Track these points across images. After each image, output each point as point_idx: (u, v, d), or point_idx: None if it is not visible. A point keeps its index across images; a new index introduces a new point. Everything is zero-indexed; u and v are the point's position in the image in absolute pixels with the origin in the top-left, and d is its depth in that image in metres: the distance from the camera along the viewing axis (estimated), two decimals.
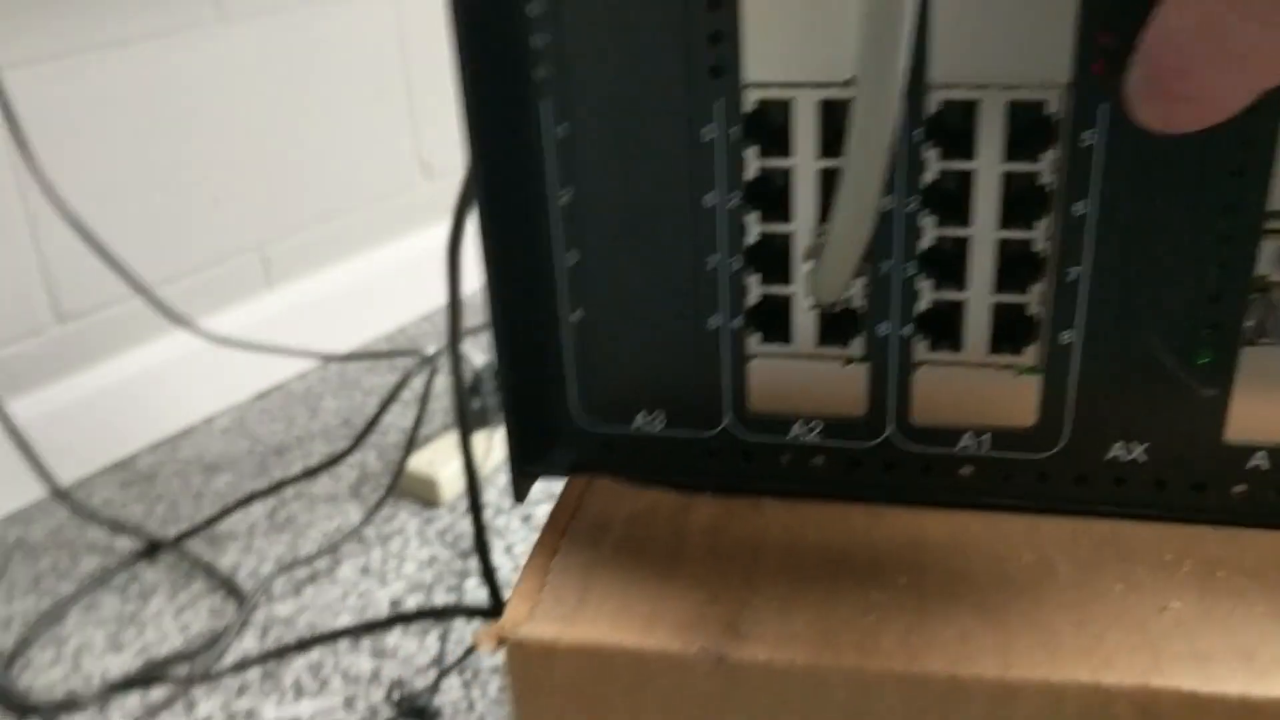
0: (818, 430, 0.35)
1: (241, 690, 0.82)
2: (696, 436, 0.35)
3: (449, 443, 1.00)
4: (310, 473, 1.00)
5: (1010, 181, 0.31)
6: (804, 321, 0.33)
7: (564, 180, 0.33)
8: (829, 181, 0.32)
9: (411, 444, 0.99)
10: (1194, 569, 0.32)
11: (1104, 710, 0.28)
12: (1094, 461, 0.33)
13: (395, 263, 1.21)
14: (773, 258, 0.33)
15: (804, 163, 0.31)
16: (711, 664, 0.30)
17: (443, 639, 0.84)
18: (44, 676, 0.84)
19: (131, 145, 1.03)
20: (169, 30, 1.01)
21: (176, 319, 0.97)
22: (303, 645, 0.77)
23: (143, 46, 1.00)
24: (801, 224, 0.32)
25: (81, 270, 0.99)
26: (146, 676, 0.81)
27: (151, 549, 0.96)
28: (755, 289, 0.33)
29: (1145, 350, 0.32)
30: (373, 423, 1.00)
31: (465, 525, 0.97)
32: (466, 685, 0.80)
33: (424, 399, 0.99)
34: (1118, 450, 0.33)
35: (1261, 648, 0.29)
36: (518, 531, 0.96)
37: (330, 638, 0.78)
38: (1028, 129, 0.30)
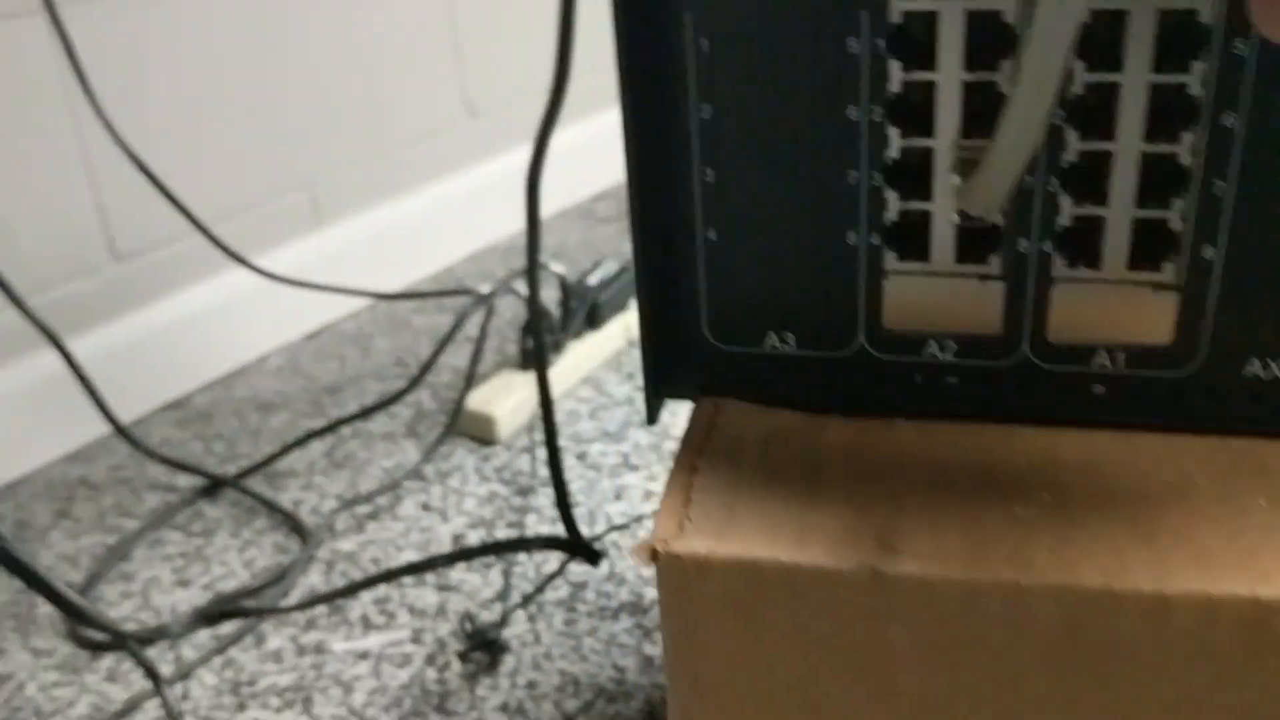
0: (952, 349, 0.35)
1: (309, 624, 0.83)
2: (828, 356, 0.35)
3: (504, 381, 1.00)
4: (368, 411, 1.00)
5: (1157, 93, 0.30)
6: (942, 238, 0.33)
7: (703, 96, 0.33)
8: (973, 96, 0.31)
9: (468, 382, 1.00)
10: None
11: (1260, 624, 0.28)
12: (1230, 379, 0.33)
13: (441, 202, 1.21)
14: (913, 173, 0.33)
15: (949, 76, 0.31)
16: (867, 579, 0.30)
17: (506, 574, 0.85)
18: (115, 610, 0.85)
19: (181, 83, 1.03)
20: None
21: (237, 258, 0.97)
22: (390, 575, 0.77)
23: None
24: (943, 139, 0.32)
25: (135, 209, 0.99)
26: (223, 610, 0.82)
27: (213, 486, 0.97)
28: (894, 205, 0.33)
29: None
30: (430, 361, 1.01)
31: (522, 463, 0.97)
32: (532, 619, 0.81)
33: (480, 337, 0.99)
34: (1254, 367, 0.33)
35: None
36: (573, 468, 0.96)
37: (426, 566, 0.78)
38: (1177, 38, 0.30)
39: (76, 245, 0.97)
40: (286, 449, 0.97)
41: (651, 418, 0.36)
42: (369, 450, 0.98)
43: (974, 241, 0.33)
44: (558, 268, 0.99)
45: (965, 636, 0.30)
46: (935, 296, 0.34)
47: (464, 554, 0.71)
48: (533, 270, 0.65)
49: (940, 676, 0.31)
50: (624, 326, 1.04)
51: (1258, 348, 0.33)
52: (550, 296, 1.03)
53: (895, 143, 0.32)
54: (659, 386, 0.36)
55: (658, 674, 0.74)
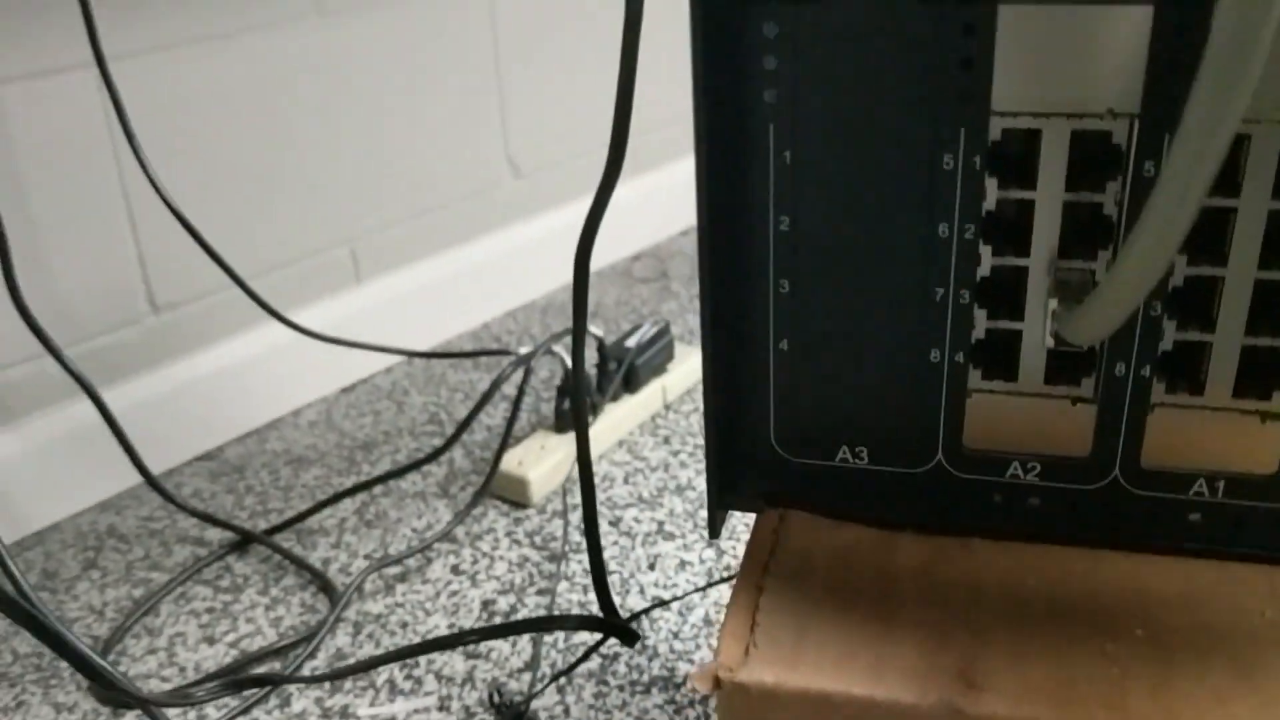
0: (1036, 470, 0.33)
1: (335, 688, 0.81)
2: (904, 472, 0.34)
3: (539, 442, 0.99)
4: (401, 471, 0.99)
5: (1274, 219, 0.29)
6: (1032, 359, 0.32)
7: (782, 206, 0.31)
8: (1071, 215, 0.30)
9: (504, 443, 0.98)
10: None
11: None
12: None
13: (481, 261, 1.20)
14: (1003, 292, 0.31)
15: (1048, 195, 0.30)
16: (949, 716, 0.28)
17: (536, 643, 0.83)
18: (139, 666, 0.84)
19: (227, 139, 1.03)
20: (269, 24, 1.00)
21: (272, 313, 0.96)
22: (416, 651, 0.76)
23: (244, 39, 1.00)
24: (1037, 259, 0.31)
25: (176, 262, 0.98)
26: (245, 678, 0.80)
27: (243, 541, 0.96)
28: (982, 323, 0.32)
29: None
30: (467, 421, 0.99)
31: (554, 527, 0.96)
32: (561, 691, 0.79)
33: (517, 398, 0.98)
34: None
35: None
36: (606, 535, 0.94)
37: (454, 641, 0.76)
38: None
39: (117, 296, 0.96)
40: (318, 506, 0.96)
41: (714, 531, 0.34)
42: (400, 509, 0.97)
43: (1066, 363, 0.32)
44: (595, 330, 0.98)
45: None
46: (1021, 416, 0.32)
47: (495, 630, 0.69)
48: (578, 337, 0.63)
49: None
50: (661, 389, 1.03)
51: None
52: (587, 358, 1.02)
53: (987, 260, 0.31)
54: (723, 497, 0.34)
55: None
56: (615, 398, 1.01)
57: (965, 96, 0.29)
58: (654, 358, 1.01)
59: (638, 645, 0.78)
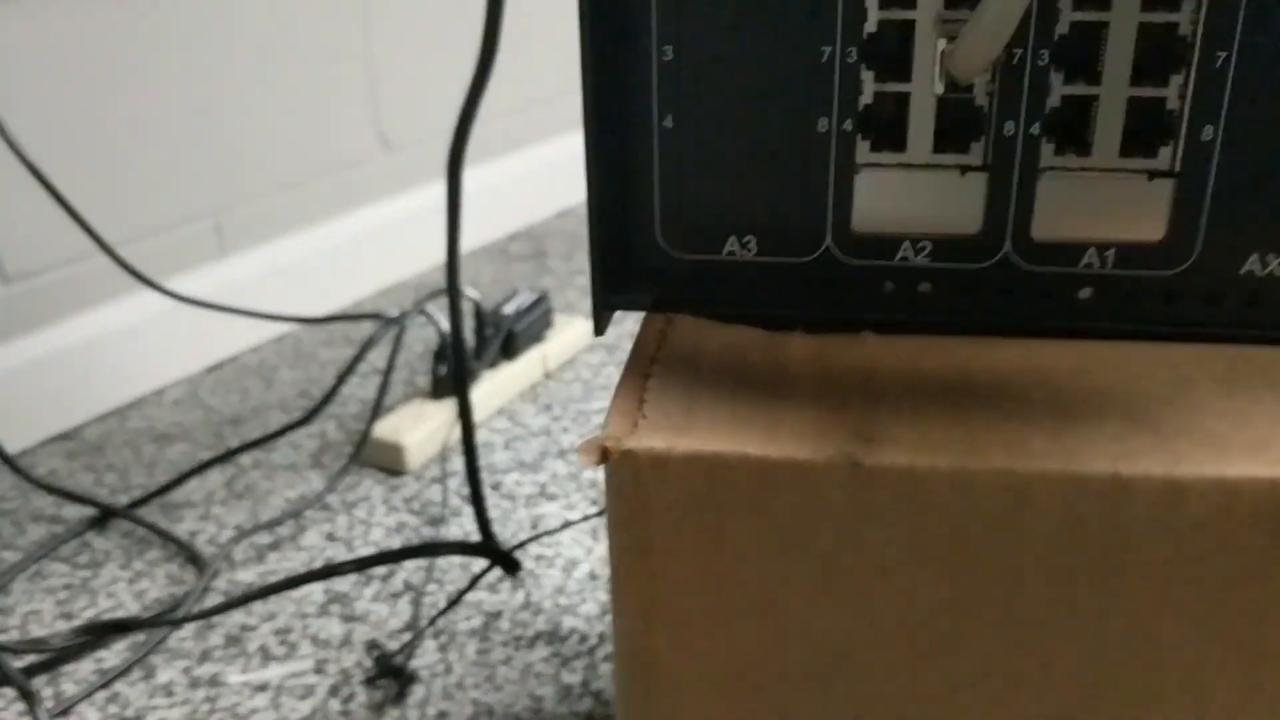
0: (927, 251, 0.32)
1: (204, 656, 0.77)
2: (793, 262, 0.33)
3: (414, 410, 0.96)
4: (269, 437, 0.95)
5: None
6: (920, 124, 0.31)
7: None
8: None
9: (376, 410, 0.95)
10: None
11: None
12: (1227, 278, 0.31)
13: (351, 236, 1.17)
14: (891, 49, 0.30)
15: None
16: (845, 471, 0.27)
17: (416, 603, 0.80)
18: None
19: (78, 100, 0.98)
20: None
21: (144, 280, 0.91)
22: (274, 589, 0.71)
23: None
24: (924, 10, 0.30)
25: (28, 228, 0.93)
26: (105, 622, 0.75)
27: (103, 517, 0.90)
28: (870, 86, 0.30)
29: None
30: (336, 386, 0.96)
31: (432, 493, 0.93)
32: (444, 649, 0.75)
33: (390, 361, 0.95)
34: (1252, 264, 0.31)
35: None
36: (488, 498, 0.91)
37: (323, 574, 0.72)
38: None
39: None
40: (183, 478, 0.91)
41: (599, 328, 0.32)
42: (271, 481, 0.93)
43: (955, 127, 0.31)
44: (473, 294, 0.95)
45: (954, 535, 0.27)
46: (911, 192, 0.31)
47: (367, 561, 0.66)
48: (453, 256, 0.61)
49: (925, 583, 0.27)
50: (540, 357, 1.00)
51: (1256, 241, 0.31)
52: (465, 326, 0.99)
53: (874, 14, 0.30)
54: (608, 296, 0.33)
55: (577, 702, 0.70)
56: (494, 364, 0.99)
57: None
58: (532, 325, 0.99)
59: (521, 599, 0.76)
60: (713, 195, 0.32)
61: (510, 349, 0.98)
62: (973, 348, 0.32)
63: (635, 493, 0.28)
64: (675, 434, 0.28)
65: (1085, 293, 0.32)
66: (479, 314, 0.96)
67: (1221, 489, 0.26)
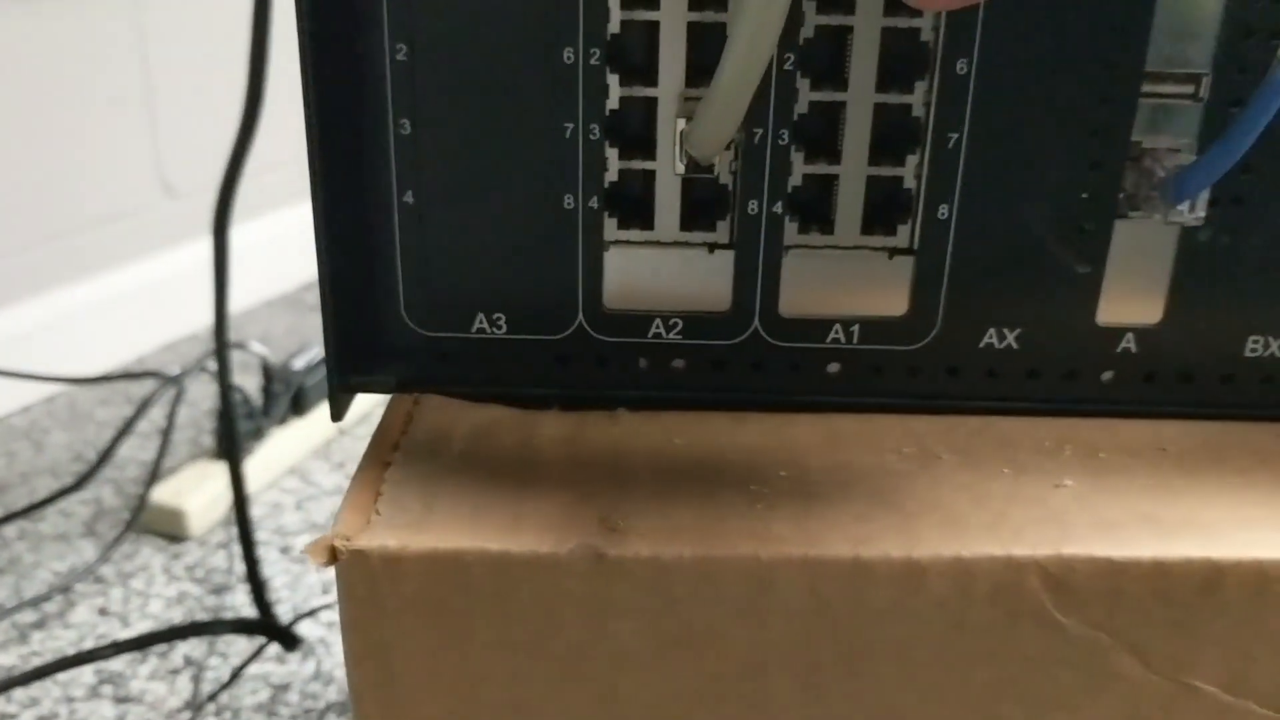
0: (679, 328, 0.31)
1: None
2: (546, 339, 0.32)
3: (197, 472, 0.91)
4: (34, 506, 0.89)
5: (889, 39, 0.29)
6: (667, 201, 0.30)
7: (397, 33, 0.29)
8: (697, 37, 0.29)
9: (154, 473, 0.90)
10: (1075, 453, 0.30)
11: (1017, 584, 0.26)
12: (967, 351, 0.32)
13: (132, 287, 1.11)
14: (634, 126, 0.30)
15: (671, 15, 0.29)
16: (589, 563, 0.26)
17: (196, 679, 0.76)
18: None
19: None
20: None
21: None
22: (34, 675, 0.66)
23: None
24: (666, 88, 0.29)
25: None
26: None
27: None
28: (615, 163, 0.30)
29: (1023, 223, 0.30)
30: (110, 449, 0.91)
31: (217, 559, 0.88)
32: None
33: (169, 424, 0.90)
34: (990, 338, 0.32)
35: (1163, 512, 0.27)
36: (277, 563, 0.88)
37: (87, 658, 0.67)
38: None
39: None
40: None
41: (336, 415, 0.31)
42: (37, 553, 0.87)
43: (701, 205, 0.30)
44: (260, 348, 0.92)
45: (700, 623, 0.26)
46: (660, 269, 0.31)
47: (136, 643, 0.62)
48: (221, 326, 0.58)
49: (672, 672, 0.27)
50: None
51: (993, 316, 0.31)
52: (252, 382, 0.95)
53: (615, 91, 0.29)
54: (346, 378, 0.31)
55: None
56: (283, 421, 0.95)
57: None
58: (326, 379, 0.96)
59: (312, 668, 0.72)
60: (458, 272, 0.31)
61: (301, 405, 0.95)
62: (725, 423, 0.31)
63: (369, 594, 0.26)
64: (411, 530, 0.26)
65: (833, 367, 0.32)
66: (266, 370, 0.93)
67: (959, 569, 0.26)
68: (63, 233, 1.06)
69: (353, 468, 0.30)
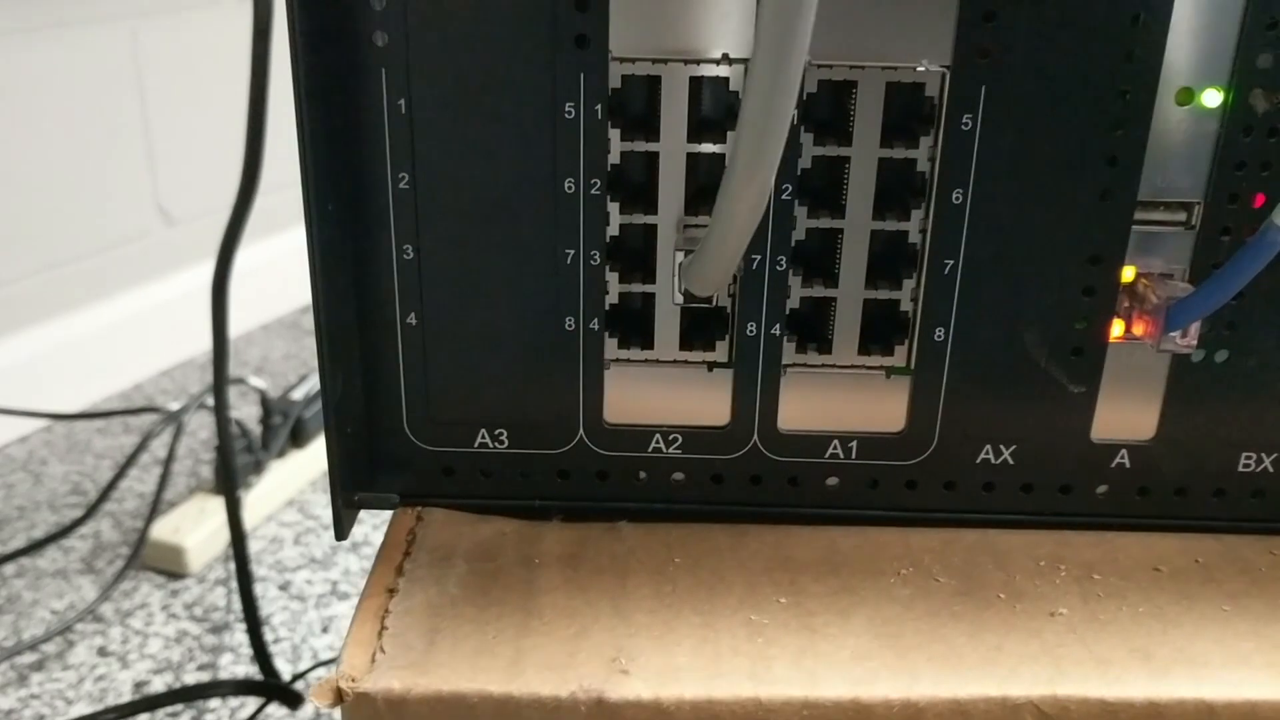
0: (678, 443, 0.32)
1: None
2: (547, 454, 0.32)
3: (196, 506, 0.91)
4: (36, 545, 0.89)
5: (886, 168, 0.29)
6: (666, 323, 0.31)
7: (400, 162, 0.29)
8: (695, 168, 0.29)
9: (154, 509, 0.90)
10: (1070, 574, 0.31)
11: None
12: (963, 466, 0.32)
13: (130, 315, 1.11)
14: (634, 252, 0.30)
15: (671, 146, 0.29)
16: (591, 706, 0.26)
17: None
18: None
19: None
20: None
21: None
22: None
23: None
24: (666, 215, 0.29)
25: None
26: None
27: None
28: (615, 287, 0.30)
29: (1018, 345, 0.31)
30: (111, 485, 0.91)
31: (216, 597, 0.88)
32: None
33: (168, 460, 0.90)
34: (987, 453, 0.32)
35: (1155, 648, 0.28)
36: (276, 600, 0.88)
37: None
38: (905, 112, 0.29)
39: None
40: None
41: (340, 533, 0.31)
42: (36, 590, 0.87)
43: (700, 326, 0.31)
44: (258, 382, 0.92)
45: None
46: (660, 387, 0.31)
47: (144, 704, 0.62)
48: (220, 373, 0.58)
49: None
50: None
51: (990, 432, 0.32)
52: (251, 414, 0.95)
53: (615, 218, 0.29)
54: (350, 494, 0.31)
55: None
56: (282, 454, 0.95)
57: (582, 40, 0.28)
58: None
59: (310, 711, 0.73)
60: (461, 390, 0.31)
61: (300, 437, 0.95)
62: (724, 538, 0.32)
63: None
64: (414, 671, 0.27)
65: (832, 481, 0.32)
66: (265, 403, 0.93)
67: (956, 709, 0.26)
68: (61, 261, 1.06)
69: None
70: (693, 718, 0.26)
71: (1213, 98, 0.28)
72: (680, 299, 0.29)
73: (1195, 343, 0.29)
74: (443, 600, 0.29)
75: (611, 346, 0.31)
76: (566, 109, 0.28)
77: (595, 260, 0.30)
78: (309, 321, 1.30)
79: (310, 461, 0.97)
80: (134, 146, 1.09)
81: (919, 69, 0.28)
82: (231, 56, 1.15)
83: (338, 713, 0.26)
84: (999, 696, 0.26)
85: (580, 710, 0.26)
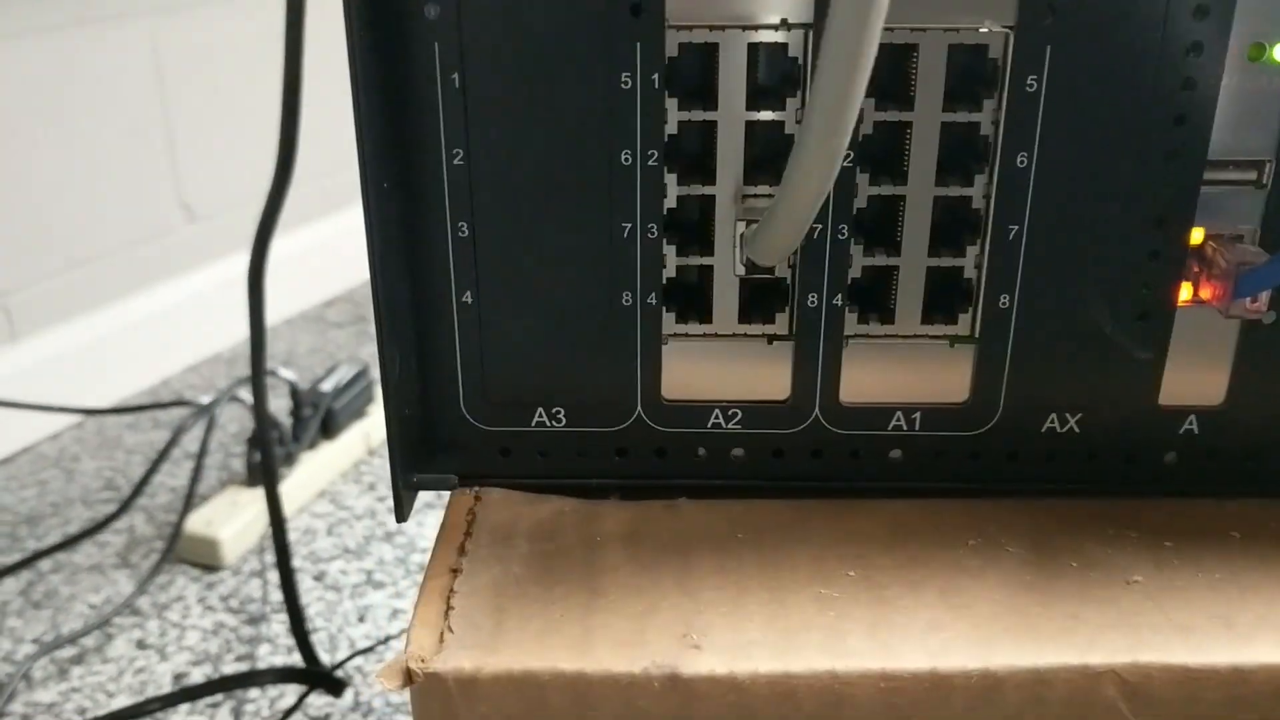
0: (738, 418, 0.31)
1: None
2: (605, 431, 0.32)
3: (229, 499, 0.92)
4: (72, 540, 0.89)
5: (949, 132, 0.28)
6: (725, 296, 0.30)
7: (454, 138, 0.29)
8: (753, 136, 0.29)
9: (188, 502, 0.90)
10: (1141, 540, 0.30)
11: (1092, 692, 0.26)
12: (1028, 436, 0.32)
13: (155, 312, 1.11)
14: (691, 225, 0.30)
15: (730, 115, 0.28)
16: (664, 682, 0.26)
17: (237, 714, 0.76)
18: None
19: None
20: None
21: None
22: None
23: None
24: (724, 186, 0.29)
25: None
26: None
27: None
28: (672, 260, 0.30)
29: (1083, 312, 0.30)
30: (144, 480, 0.91)
31: (251, 588, 0.89)
32: None
33: (201, 453, 0.90)
34: (1052, 422, 0.31)
35: (1236, 614, 0.27)
36: (311, 590, 0.88)
37: (137, 712, 0.68)
38: (968, 74, 0.28)
39: None
40: None
41: (401, 514, 0.31)
42: (74, 585, 0.87)
43: (759, 299, 0.30)
44: (287, 374, 0.92)
45: None
46: (718, 361, 0.31)
47: (185, 694, 0.62)
48: (258, 366, 0.58)
49: None
50: (363, 434, 0.97)
51: (1054, 401, 0.31)
52: (280, 406, 0.95)
53: (673, 191, 0.29)
54: (409, 476, 0.31)
55: None
56: (313, 445, 0.95)
57: (637, 9, 0.27)
58: (354, 401, 0.96)
59: (350, 699, 0.73)
60: (518, 368, 0.31)
61: (330, 428, 0.95)
62: (786, 513, 0.31)
63: (444, 714, 0.26)
64: (484, 650, 0.26)
65: (895, 454, 0.32)
66: (295, 395, 0.93)
67: (1036, 679, 0.26)
68: (85, 259, 1.06)
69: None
70: (768, 692, 0.26)
71: None
72: (742, 269, 0.29)
73: (1265, 308, 0.29)
74: (507, 579, 0.29)
75: (669, 321, 0.30)
76: (623, 79, 0.28)
77: (652, 234, 0.29)
78: (333, 315, 1.30)
79: (341, 453, 0.96)
80: (155, 143, 1.08)
81: (982, 30, 0.27)
82: (251, 51, 1.15)
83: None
84: (1079, 665, 0.26)
85: (654, 686, 0.26)
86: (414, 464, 0.31)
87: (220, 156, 1.14)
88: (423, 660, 0.26)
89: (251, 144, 1.11)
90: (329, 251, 1.19)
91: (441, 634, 0.27)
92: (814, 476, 0.32)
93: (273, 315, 1.25)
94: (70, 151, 1.02)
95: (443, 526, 0.31)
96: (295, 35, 0.50)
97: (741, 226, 0.28)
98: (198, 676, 0.77)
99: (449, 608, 0.28)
